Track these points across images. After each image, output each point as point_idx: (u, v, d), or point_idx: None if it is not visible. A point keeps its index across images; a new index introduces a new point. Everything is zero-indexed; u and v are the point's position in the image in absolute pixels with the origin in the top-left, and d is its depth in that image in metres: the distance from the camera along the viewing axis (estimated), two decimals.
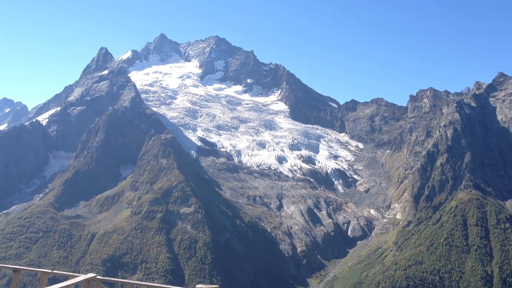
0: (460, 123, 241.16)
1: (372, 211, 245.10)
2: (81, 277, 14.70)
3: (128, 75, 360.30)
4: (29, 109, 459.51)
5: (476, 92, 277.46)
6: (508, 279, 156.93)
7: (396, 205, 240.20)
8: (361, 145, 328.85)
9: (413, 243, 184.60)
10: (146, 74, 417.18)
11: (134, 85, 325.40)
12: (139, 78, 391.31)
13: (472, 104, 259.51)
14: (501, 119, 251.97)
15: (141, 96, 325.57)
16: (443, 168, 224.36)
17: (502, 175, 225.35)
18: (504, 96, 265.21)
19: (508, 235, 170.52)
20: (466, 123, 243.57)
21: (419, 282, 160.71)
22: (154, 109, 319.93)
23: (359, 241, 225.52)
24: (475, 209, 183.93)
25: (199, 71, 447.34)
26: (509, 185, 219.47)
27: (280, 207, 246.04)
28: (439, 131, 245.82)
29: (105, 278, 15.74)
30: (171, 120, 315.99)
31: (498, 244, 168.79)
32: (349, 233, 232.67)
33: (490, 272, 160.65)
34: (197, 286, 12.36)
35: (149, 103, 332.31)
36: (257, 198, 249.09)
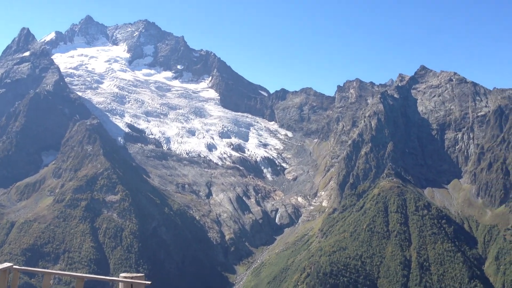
0: (383, 113, 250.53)
1: (299, 199, 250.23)
2: None
3: (52, 57, 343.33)
4: None
5: (399, 84, 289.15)
6: (424, 263, 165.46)
7: (323, 192, 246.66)
8: (290, 134, 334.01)
9: (338, 229, 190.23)
10: (71, 57, 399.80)
11: (58, 68, 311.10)
12: (63, 61, 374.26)
13: (395, 95, 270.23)
14: (422, 110, 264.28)
15: (65, 79, 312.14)
16: (367, 157, 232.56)
17: (421, 164, 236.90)
18: (424, 88, 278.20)
19: (426, 222, 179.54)
20: (389, 114, 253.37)
21: (342, 267, 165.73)
22: (79, 93, 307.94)
23: (287, 228, 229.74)
24: (395, 197, 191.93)
25: (127, 55, 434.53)
26: (428, 174, 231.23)
27: (209, 194, 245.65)
28: (364, 121, 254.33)
29: (23, 268, 14.87)
30: (97, 105, 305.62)
31: (416, 230, 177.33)
32: (276, 220, 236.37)
33: (409, 257, 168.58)
34: (121, 275, 11.79)
35: (73, 87, 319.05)
36: (186, 185, 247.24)
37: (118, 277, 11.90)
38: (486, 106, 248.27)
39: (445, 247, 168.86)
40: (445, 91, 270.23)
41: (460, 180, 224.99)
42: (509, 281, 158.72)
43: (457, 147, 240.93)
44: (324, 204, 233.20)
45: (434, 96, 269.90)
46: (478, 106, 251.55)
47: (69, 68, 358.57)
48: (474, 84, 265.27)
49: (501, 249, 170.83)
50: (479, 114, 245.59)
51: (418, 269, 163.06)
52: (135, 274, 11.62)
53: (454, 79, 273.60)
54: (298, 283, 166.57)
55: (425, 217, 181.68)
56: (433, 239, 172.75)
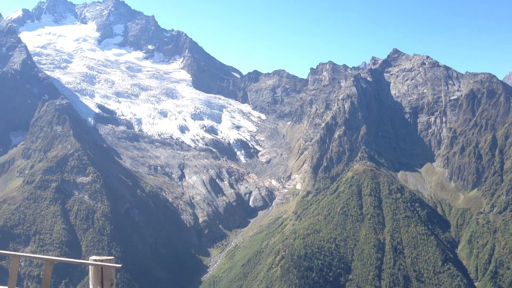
0: (356, 96, 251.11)
1: (273, 182, 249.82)
2: None
3: (19, 35, 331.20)
4: None
5: (372, 67, 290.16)
6: (398, 246, 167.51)
7: (296, 175, 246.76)
8: (263, 116, 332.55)
9: (312, 212, 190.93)
10: (39, 35, 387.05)
11: (25, 47, 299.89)
12: (31, 39, 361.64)
13: (368, 78, 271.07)
14: (394, 93, 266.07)
15: (33, 58, 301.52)
16: (341, 140, 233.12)
17: (394, 147, 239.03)
18: (397, 71, 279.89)
19: (399, 205, 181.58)
20: (362, 97, 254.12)
21: (316, 250, 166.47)
22: (48, 73, 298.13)
23: (260, 211, 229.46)
24: (369, 180, 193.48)
25: (97, 34, 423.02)
26: (401, 157, 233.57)
27: (182, 177, 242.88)
28: (337, 104, 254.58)
29: None
30: (66, 85, 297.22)
31: (390, 213, 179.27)
32: (250, 203, 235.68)
33: (382, 240, 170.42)
34: (91, 258, 11.16)
35: (42, 66, 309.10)
36: (159, 167, 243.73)
37: (88, 260, 11.41)
38: (458, 90, 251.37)
39: (418, 230, 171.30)
40: (417, 74, 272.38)
41: (433, 164, 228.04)
42: (482, 264, 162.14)
43: (430, 130, 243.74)
44: (298, 187, 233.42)
45: (407, 79, 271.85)
46: (450, 90, 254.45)
47: (37, 47, 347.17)
48: (447, 68, 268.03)
49: (473, 233, 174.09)
50: (452, 98, 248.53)
51: (391, 252, 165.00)
52: (105, 257, 11.23)
53: (426, 63, 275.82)
54: (273, 266, 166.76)
55: (398, 200, 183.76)
56: (406, 222, 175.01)
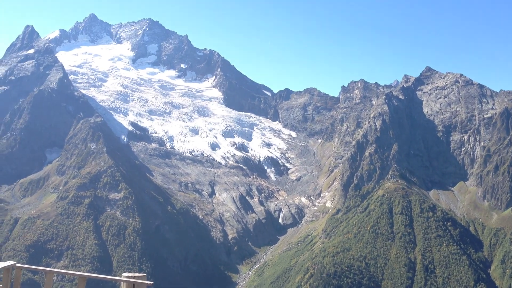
0: (388, 114, 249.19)
1: (303, 199, 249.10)
2: (0, 265, 13.75)
3: (56, 55, 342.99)
4: None
5: (404, 85, 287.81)
6: (429, 266, 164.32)
7: (326, 193, 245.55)
8: (293, 134, 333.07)
9: (341, 230, 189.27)
10: (75, 54, 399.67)
11: (62, 66, 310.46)
12: (67, 58, 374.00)
13: (400, 96, 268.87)
14: (427, 112, 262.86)
15: (69, 77, 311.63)
16: (372, 158, 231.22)
17: (426, 166, 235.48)
18: (430, 90, 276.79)
19: (431, 224, 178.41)
20: (394, 115, 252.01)
21: (346, 268, 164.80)
22: (83, 91, 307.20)
23: (290, 228, 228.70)
24: (400, 198, 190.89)
25: (131, 54, 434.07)
26: (433, 176, 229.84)
27: (212, 194, 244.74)
28: (369, 122, 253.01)
29: (25, 266, 14.92)
30: (101, 103, 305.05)
31: (421, 232, 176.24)
32: (280, 220, 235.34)
33: (413, 259, 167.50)
34: (123, 274, 11.69)
35: (77, 85, 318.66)
36: (189, 184, 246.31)
37: (121, 277, 11.88)
38: (492, 108, 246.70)
39: (450, 249, 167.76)
40: (451, 92, 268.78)
41: (466, 182, 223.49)
42: None
43: (463, 149, 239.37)
44: (328, 204, 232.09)
45: (440, 97, 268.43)
46: (484, 108, 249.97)
47: (73, 66, 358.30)
48: (481, 86, 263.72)
49: (507, 252, 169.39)
50: (486, 116, 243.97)
51: (423, 271, 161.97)
52: (137, 274, 11.64)
53: (460, 81, 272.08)
54: (302, 284, 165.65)
55: (430, 219, 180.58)
56: (438, 241, 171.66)
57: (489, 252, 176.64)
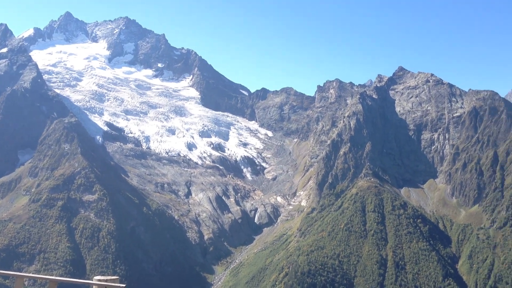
0: (362, 114, 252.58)
1: (278, 198, 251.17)
2: None
3: (30, 54, 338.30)
4: None
5: (378, 85, 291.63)
6: (400, 262, 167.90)
7: (302, 192, 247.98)
8: (270, 133, 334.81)
9: (316, 229, 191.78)
10: (49, 53, 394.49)
11: (36, 65, 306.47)
12: (42, 57, 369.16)
13: (374, 96, 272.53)
14: (399, 111, 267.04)
15: (43, 76, 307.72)
16: (346, 157, 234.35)
17: (398, 164, 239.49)
18: (402, 89, 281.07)
19: (402, 221, 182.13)
20: (367, 114, 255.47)
21: (320, 266, 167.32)
22: (57, 91, 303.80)
23: (265, 228, 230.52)
24: (373, 196, 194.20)
25: (107, 52, 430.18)
26: (404, 174, 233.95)
27: (188, 194, 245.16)
28: (343, 121, 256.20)
29: None
30: (75, 103, 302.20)
31: (392, 229, 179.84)
32: (256, 220, 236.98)
33: (385, 256, 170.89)
34: (95, 278, 11.81)
35: (51, 84, 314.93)
36: (165, 185, 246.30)
37: (92, 280, 11.91)
38: (461, 107, 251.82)
39: (420, 246, 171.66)
40: (422, 92, 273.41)
41: (435, 180, 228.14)
42: (482, 279, 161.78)
43: (433, 147, 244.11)
44: (303, 203, 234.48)
45: (412, 97, 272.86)
46: (454, 107, 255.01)
47: (47, 65, 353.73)
48: (450, 86, 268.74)
49: (474, 248, 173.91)
50: (455, 115, 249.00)
51: (394, 268, 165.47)
52: (109, 277, 11.67)
53: (431, 80, 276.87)
54: (276, 283, 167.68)
55: (401, 216, 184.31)
56: (408, 238, 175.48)
57: (457, 248, 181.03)
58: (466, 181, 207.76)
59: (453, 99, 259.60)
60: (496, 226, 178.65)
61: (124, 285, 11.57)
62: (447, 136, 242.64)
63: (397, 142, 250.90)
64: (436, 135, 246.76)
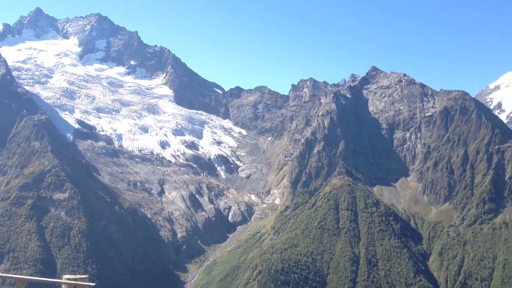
0: (336, 113, 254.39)
1: (252, 197, 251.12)
2: None
3: None
4: None
5: (351, 84, 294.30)
6: (372, 259, 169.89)
7: (276, 190, 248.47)
8: (244, 132, 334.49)
9: (290, 227, 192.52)
10: (19, 50, 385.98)
11: (5, 61, 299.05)
12: (11, 54, 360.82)
13: (348, 95, 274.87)
14: (372, 110, 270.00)
15: (13, 73, 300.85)
16: (320, 155, 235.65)
17: (371, 163, 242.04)
18: (375, 89, 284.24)
19: (374, 219, 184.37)
20: (341, 113, 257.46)
21: (293, 264, 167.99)
22: (27, 88, 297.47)
23: (239, 226, 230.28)
24: (346, 195, 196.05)
25: (78, 49, 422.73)
26: (377, 172, 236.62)
27: (161, 192, 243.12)
28: (317, 120, 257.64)
29: None
30: (45, 101, 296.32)
31: (365, 227, 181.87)
32: (229, 218, 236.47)
33: (358, 253, 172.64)
34: (64, 276, 11.45)
35: (21, 81, 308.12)
36: (138, 183, 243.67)
37: (62, 279, 11.59)
38: (433, 107, 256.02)
39: (392, 243, 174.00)
40: (394, 91, 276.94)
41: (407, 178, 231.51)
42: (452, 275, 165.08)
43: (405, 146, 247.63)
44: (277, 202, 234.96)
45: (384, 96, 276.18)
46: (425, 106, 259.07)
47: (17, 62, 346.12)
48: (422, 86, 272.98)
49: (444, 245, 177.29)
50: (426, 114, 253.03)
51: (366, 265, 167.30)
52: (79, 276, 11.39)
53: (403, 80, 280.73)
54: (250, 281, 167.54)
55: (373, 214, 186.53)
56: (381, 235, 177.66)
57: (427, 245, 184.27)
58: (437, 179, 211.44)
59: (425, 99, 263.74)
60: (466, 224, 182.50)
61: (93, 284, 11.32)
62: (419, 135, 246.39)
63: (370, 141, 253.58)
64: (408, 134, 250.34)
